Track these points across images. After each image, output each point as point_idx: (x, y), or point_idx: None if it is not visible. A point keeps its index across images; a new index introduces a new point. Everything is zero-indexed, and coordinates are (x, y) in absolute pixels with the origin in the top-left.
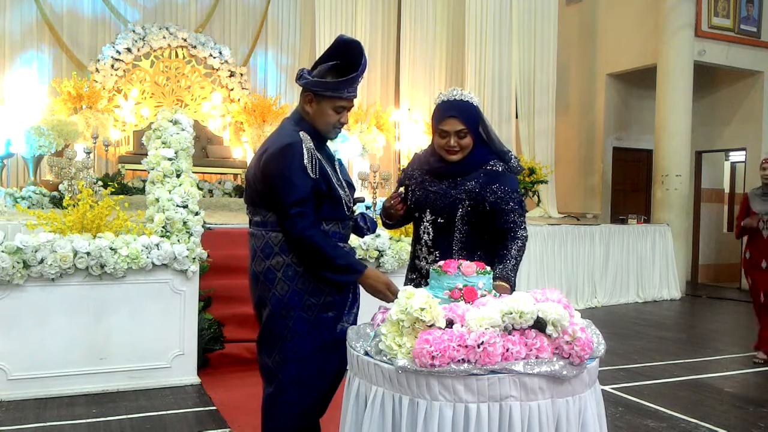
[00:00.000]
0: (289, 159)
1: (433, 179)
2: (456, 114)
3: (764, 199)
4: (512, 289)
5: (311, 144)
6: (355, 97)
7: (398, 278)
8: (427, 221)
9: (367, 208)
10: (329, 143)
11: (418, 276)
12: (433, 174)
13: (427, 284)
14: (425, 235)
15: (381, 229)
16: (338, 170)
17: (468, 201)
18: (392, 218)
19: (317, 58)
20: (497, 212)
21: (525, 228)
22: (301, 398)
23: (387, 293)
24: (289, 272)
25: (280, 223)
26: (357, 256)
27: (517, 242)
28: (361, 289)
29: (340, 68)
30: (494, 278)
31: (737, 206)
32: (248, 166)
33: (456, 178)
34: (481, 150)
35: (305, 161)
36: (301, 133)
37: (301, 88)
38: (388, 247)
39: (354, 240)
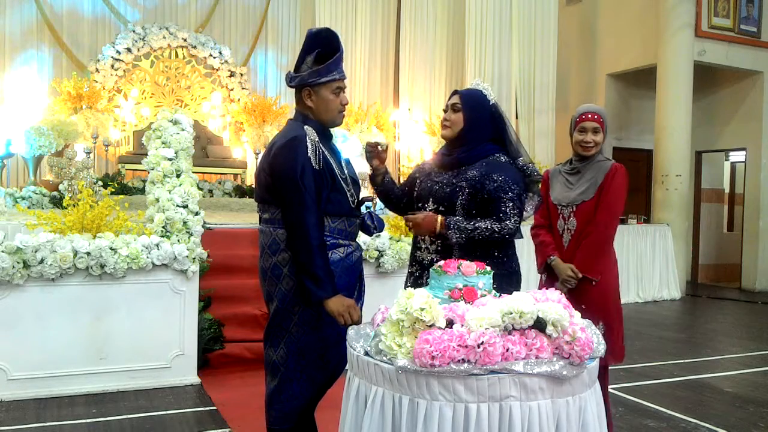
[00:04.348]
0: (293, 150)
1: (440, 170)
2: (458, 91)
3: (570, 178)
4: (444, 230)
5: (315, 137)
6: (345, 77)
7: (398, 278)
8: (430, 210)
9: (367, 208)
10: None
11: (418, 268)
12: (439, 165)
13: (427, 276)
14: None
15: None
16: (344, 166)
17: (468, 189)
18: (378, 178)
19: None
20: (494, 200)
21: (515, 222)
22: (303, 392)
23: (347, 316)
24: (294, 268)
25: (283, 212)
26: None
27: (495, 224)
28: (365, 287)
29: (322, 56)
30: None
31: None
32: (258, 165)
33: (460, 167)
34: (487, 143)
35: (309, 152)
36: (306, 127)
37: (296, 92)
38: (388, 247)
39: None
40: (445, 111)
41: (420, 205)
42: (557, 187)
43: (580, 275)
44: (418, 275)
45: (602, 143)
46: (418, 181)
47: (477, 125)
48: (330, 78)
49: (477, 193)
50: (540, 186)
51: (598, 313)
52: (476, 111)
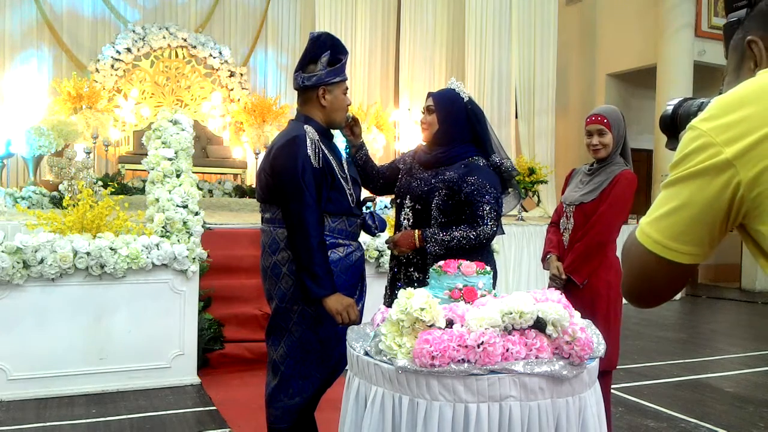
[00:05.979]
0: (293, 148)
1: (420, 168)
2: (432, 94)
3: (584, 179)
4: (423, 244)
5: (316, 136)
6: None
7: None
8: (408, 207)
9: (368, 209)
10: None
11: (396, 264)
12: (420, 162)
13: (404, 271)
14: (405, 221)
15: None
16: (345, 166)
17: (444, 190)
18: (351, 150)
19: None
20: (471, 203)
21: (492, 225)
22: (303, 390)
23: (344, 314)
24: (293, 267)
25: (284, 210)
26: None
27: (472, 231)
28: (366, 287)
29: (334, 56)
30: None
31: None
32: (259, 166)
33: (439, 167)
34: (465, 145)
35: (308, 150)
36: (306, 127)
37: (303, 92)
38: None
39: None
40: (423, 114)
41: (399, 201)
42: (571, 185)
43: (564, 276)
44: (396, 271)
45: (612, 144)
46: (400, 174)
47: (452, 125)
48: (343, 77)
49: (453, 194)
50: (517, 182)
51: (586, 317)
52: (450, 111)
